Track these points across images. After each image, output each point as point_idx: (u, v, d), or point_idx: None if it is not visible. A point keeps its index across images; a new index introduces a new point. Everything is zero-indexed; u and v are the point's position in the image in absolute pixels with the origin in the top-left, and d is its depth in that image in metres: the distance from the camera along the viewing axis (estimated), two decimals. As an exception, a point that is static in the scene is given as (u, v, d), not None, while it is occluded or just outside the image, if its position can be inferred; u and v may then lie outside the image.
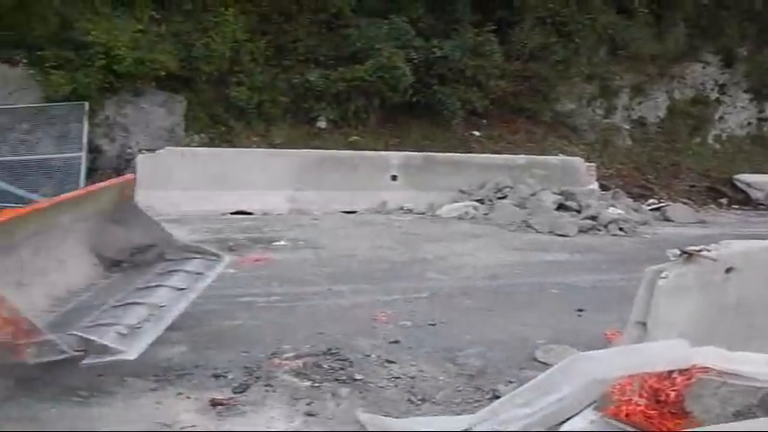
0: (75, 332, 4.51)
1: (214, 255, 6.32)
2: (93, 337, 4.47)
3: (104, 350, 4.41)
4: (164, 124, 14.31)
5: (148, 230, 6.36)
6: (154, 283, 5.57)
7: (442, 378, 5.15)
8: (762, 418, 3.91)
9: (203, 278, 5.85)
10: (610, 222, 12.27)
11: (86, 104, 13.30)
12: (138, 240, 6.30)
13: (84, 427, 4.25)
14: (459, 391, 5.03)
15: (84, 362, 4.37)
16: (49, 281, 4.87)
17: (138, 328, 4.77)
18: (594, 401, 4.42)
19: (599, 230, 12.13)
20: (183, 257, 6.23)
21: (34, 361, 4.32)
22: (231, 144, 14.36)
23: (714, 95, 21.35)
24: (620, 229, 12.24)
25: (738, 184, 17.91)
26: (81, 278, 5.81)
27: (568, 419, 4.34)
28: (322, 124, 15.67)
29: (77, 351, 4.38)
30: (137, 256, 6.27)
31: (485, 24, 16.96)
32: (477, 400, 4.83)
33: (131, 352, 4.47)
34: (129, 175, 6.42)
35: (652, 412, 4.25)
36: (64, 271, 5.60)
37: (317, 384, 5.00)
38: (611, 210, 12.81)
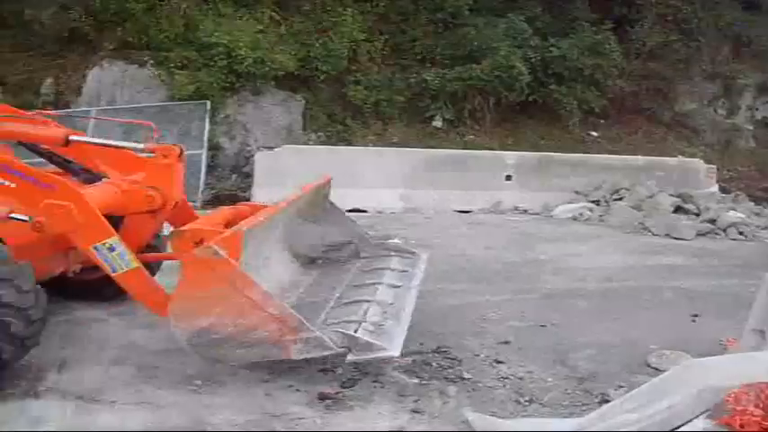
0: (338, 329, 4.65)
1: (410, 252, 6.44)
2: (358, 335, 4.63)
3: (368, 347, 4.57)
4: (282, 123, 14.69)
5: (344, 228, 6.54)
6: (369, 281, 5.66)
7: (550, 380, 5.11)
8: None
9: (413, 275, 5.94)
10: (729, 226, 11.92)
11: (208, 103, 13.75)
12: (334, 237, 6.46)
13: (195, 413, 4.49)
14: (568, 393, 4.97)
15: (348, 358, 4.54)
16: (261, 279, 5.06)
17: (381, 326, 4.92)
18: (707, 410, 4.36)
19: (717, 234, 11.79)
20: (380, 255, 6.37)
21: (299, 357, 4.52)
22: (348, 143, 14.61)
23: None
24: (740, 233, 11.87)
25: None
26: (285, 276, 5.98)
27: (679, 427, 4.30)
28: (438, 123, 15.77)
29: (342, 347, 4.54)
30: (330, 252, 6.42)
31: (603, 22, 16.82)
32: (586, 404, 4.79)
33: (393, 348, 4.64)
34: (326, 175, 6.60)
35: (768, 423, 4.17)
36: (269, 268, 5.74)
37: (424, 382, 5.03)
38: (731, 213, 12.42)
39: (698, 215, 12.32)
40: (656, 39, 17.40)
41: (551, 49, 16.16)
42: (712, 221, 12.02)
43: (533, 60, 15.96)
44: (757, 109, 19.61)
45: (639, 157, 14.87)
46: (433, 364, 5.33)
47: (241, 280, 4.40)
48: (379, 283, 5.60)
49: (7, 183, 4.82)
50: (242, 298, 4.38)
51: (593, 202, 12.93)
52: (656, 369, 5.13)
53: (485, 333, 5.98)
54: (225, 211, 5.88)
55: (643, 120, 17.76)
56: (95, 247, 4.78)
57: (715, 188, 14.35)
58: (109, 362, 5.08)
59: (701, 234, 11.61)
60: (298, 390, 4.80)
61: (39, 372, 4.96)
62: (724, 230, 11.85)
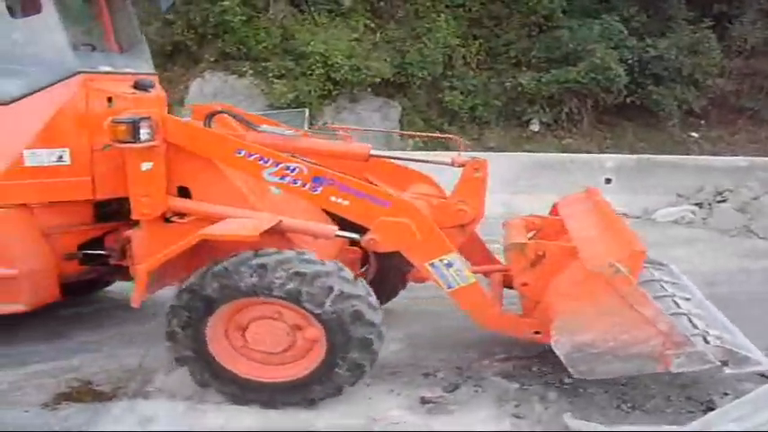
0: (719, 344, 4.74)
1: (660, 264, 6.34)
2: (739, 350, 4.74)
3: (746, 361, 4.69)
4: (381, 127, 14.81)
5: None
6: (658, 294, 5.49)
7: (654, 387, 4.98)
8: None
9: (687, 286, 5.92)
10: None
11: (306, 111, 13.98)
12: None
13: (300, 416, 4.61)
14: (671, 400, 4.87)
15: (726, 371, 4.63)
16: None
17: (721, 338, 4.90)
18: (813, 417, 4.29)
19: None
20: None
21: (677, 370, 4.58)
22: (445, 148, 14.61)
23: None
24: None
25: None
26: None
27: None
28: (535, 127, 15.68)
29: (722, 362, 4.63)
30: None
31: (701, 20, 16.38)
32: (690, 411, 4.67)
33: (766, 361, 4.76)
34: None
35: None
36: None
37: (525, 387, 5.01)
38: None
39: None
40: (758, 35, 16.83)
41: (648, 49, 15.82)
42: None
43: (630, 61, 15.65)
44: None
45: (742, 157, 14.48)
46: (534, 368, 5.33)
47: (637, 297, 4.48)
48: (671, 296, 5.52)
49: (340, 200, 4.89)
50: (635, 314, 4.46)
51: (695, 204, 12.64)
52: (764, 376, 5.03)
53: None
54: (518, 222, 5.99)
55: (745, 119, 17.22)
56: (432, 264, 4.86)
57: (826, 189, 13.85)
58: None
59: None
60: (399, 394, 4.92)
61: (147, 373, 5.20)
62: None
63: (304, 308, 4.44)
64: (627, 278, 4.43)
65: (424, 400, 4.75)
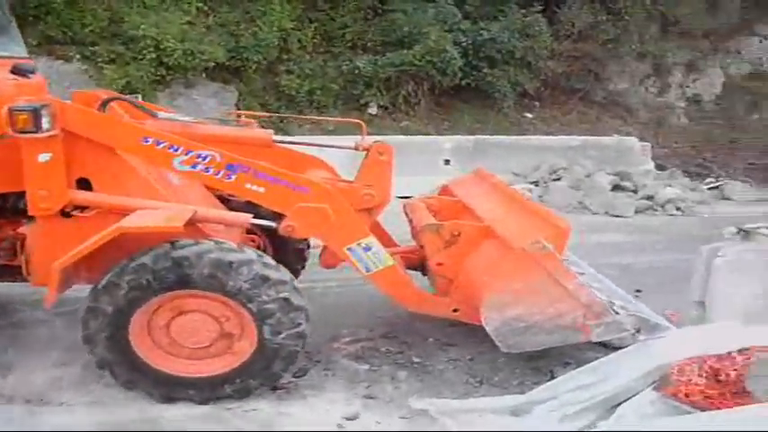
0: (634, 313, 4.96)
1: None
2: (651, 318, 5.00)
3: (656, 328, 4.91)
4: (216, 115, 14.42)
5: None
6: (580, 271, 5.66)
7: (500, 360, 5.16)
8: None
9: (575, 262, 5.97)
10: (666, 202, 12.12)
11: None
12: None
13: (148, 410, 4.42)
14: (516, 372, 5.09)
15: (640, 338, 4.82)
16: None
17: (626, 308, 5.08)
18: (654, 382, 4.42)
19: (656, 211, 12.00)
20: None
21: (597, 339, 4.86)
22: (284, 132, 14.38)
23: (772, 69, 20.93)
24: (678, 208, 12.08)
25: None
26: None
27: (627, 400, 4.34)
28: (373, 110, 15.68)
29: (635, 329, 4.85)
30: None
31: (532, 5, 16.89)
32: (536, 382, 4.85)
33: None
34: None
35: (711, 392, 4.26)
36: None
37: (375, 368, 5.08)
38: (667, 189, 12.61)
39: (635, 192, 12.48)
40: (585, 20, 17.53)
41: (482, 32, 16.13)
42: (650, 198, 12.21)
43: (464, 44, 15.93)
44: (688, 86, 19.96)
45: (575, 137, 14.99)
46: (383, 349, 5.38)
47: (562, 272, 4.71)
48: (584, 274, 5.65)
49: (255, 188, 4.72)
50: (559, 288, 4.67)
51: (532, 183, 12.99)
52: (602, 344, 5.16)
53: (433, 316, 5.95)
54: (419, 204, 6.08)
55: (576, 100, 17.93)
56: (350, 248, 4.83)
57: (650, 165, 14.51)
58: (56, 363, 5.01)
59: (639, 211, 11.82)
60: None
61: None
62: (662, 206, 12.06)
63: (230, 298, 4.34)
64: (552, 254, 4.67)
65: (275, 387, 4.63)
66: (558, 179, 12.92)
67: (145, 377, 4.47)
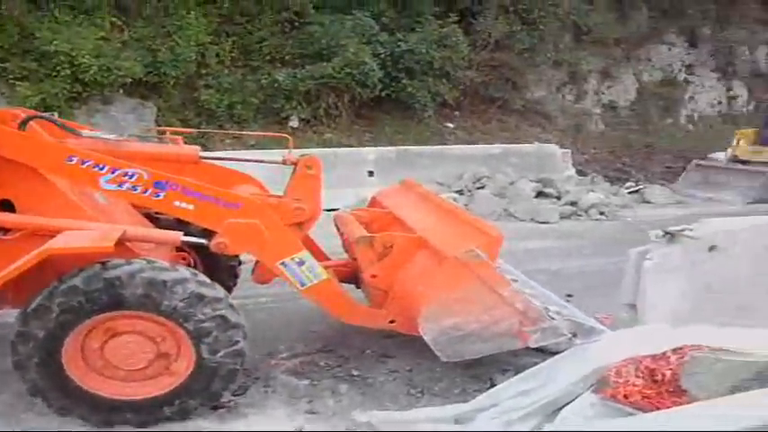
0: (569, 317, 5.09)
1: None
2: (586, 322, 5.13)
3: (592, 331, 5.04)
4: (135, 131, 14.16)
5: None
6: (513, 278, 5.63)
7: (439, 369, 5.15)
8: (757, 390, 3.95)
9: (507, 269, 5.91)
10: (590, 207, 12.34)
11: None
12: None
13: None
14: (457, 381, 5.08)
15: (577, 342, 4.89)
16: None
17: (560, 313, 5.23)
18: (592, 385, 4.46)
19: (580, 216, 12.21)
20: None
21: (535, 345, 4.92)
22: (205, 148, 14.19)
23: (682, 76, 21.68)
24: (601, 213, 12.31)
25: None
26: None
27: (568, 404, 4.37)
28: (294, 123, 15.62)
29: (572, 334, 4.94)
30: None
31: (448, 15, 17.10)
32: (476, 390, 4.86)
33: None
34: None
35: (649, 392, 4.30)
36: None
37: (315, 382, 5.02)
38: (590, 195, 12.86)
39: (559, 198, 12.67)
40: (501, 30, 17.81)
41: (400, 43, 16.26)
42: (573, 204, 12.41)
43: (383, 56, 16.04)
44: (603, 93, 20.47)
45: (497, 145, 15.17)
46: (321, 363, 5.33)
47: (496, 279, 4.76)
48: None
49: (185, 205, 4.59)
50: (494, 295, 4.72)
51: (456, 191, 13.07)
52: (538, 349, 5.20)
53: (367, 329, 5.92)
54: (349, 217, 6.07)
55: (496, 109, 18.19)
56: (284, 263, 4.76)
57: (572, 171, 14.81)
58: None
59: (564, 217, 12.01)
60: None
61: None
62: (585, 212, 12.28)
63: (165, 317, 4.23)
64: (486, 263, 4.72)
65: (215, 406, 4.54)
66: (482, 187, 13.03)
67: (80, 403, 4.31)
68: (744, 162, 15.96)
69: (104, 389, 4.34)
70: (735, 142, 16.40)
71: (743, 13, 22.87)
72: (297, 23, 16.54)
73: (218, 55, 15.57)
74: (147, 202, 4.67)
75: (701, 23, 22.14)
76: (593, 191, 13.29)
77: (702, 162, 16.30)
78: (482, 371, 5.15)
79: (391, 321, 5.13)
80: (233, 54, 15.95)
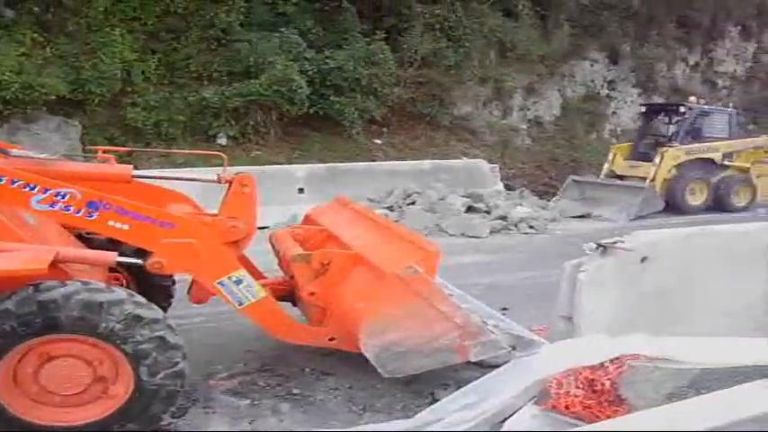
0: (504, 332, 5.15)
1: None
2: (524, 335, 5.24)
3: (531, 344, 5.13)
4: (60, 150, 13.84)
5: None
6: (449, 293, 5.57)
7: (380, 386, 5.13)
8: (694, 398, 4.02)
9: (443, 284, 5.84)
10: (520, 221, 12.49)
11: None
12: None
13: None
14: (399, 397, 5.06)
15: (516, 354, 4.97)
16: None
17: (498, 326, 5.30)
18: (534, 397, 4.49)
19: (510, 230, 12.34)
20: None
21: (476, 359, 4.98)
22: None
23: (605, 92, 22.13)
24: (531, 227, 12.47)
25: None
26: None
27: (510, 417, 4.39)
28: (222, 141, 15.49)
29: (511, 347, 5.03)
30: None
31: (375, 33, 17.21)
32: (418, 406, 4.84)
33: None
34: None
35: (590, 402, 4.36)
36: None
37: (256, 402, 4.96)
38: (519, 209, 13.02)
39: (489, 213, 12.77)
40: (427, 47, 17.97)
41: (327, 61, 16.31)
42: (503, 218, 12.52)
43: (311, 73, 16.04)
44: (529, 109, 20.77)
45: (426, 161, 15.27)
46: (261, 383, 5.26)
47: (435, 294, 4.79)
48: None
49: (119, 225, 4.48)
50: (434, 310, 4.75)
51: (387, 208, 13.08)
52: (477, 364, 5.21)
53: (306, 347, 5.88)
54: (286, 233, 6.09)
55: (424, 125, 18.32)
56: (221, 282, 4.69)
57: (500, 186, 14.96)
58: None
59: (495, 231, 12.09)
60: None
61: None
62: (516, 226, 12.40)
63: (102, 340, 4.11)
64: (425, 278, 4.76)
65: (155, 430, 4.44)
66: (413, 203, 13.08)
67: (14, 430, 4.19)
68: (621, 177, 16.26)
69: (39, 415, 4.20)
70: (611, 157, 16.65)
71: (660, 32, 23.56)
72: (224, 41, 16.42)
73: (143, 72, 15.35)
74: (80, 223, 4.57)
75: (622, 41, 22.71)
76: (521, 205, 13.47)
77: (579, 178, 16.47)
78: (423, 386, 5.14)
79: (331, 339, 5.13)
80: (159, 71, 15.75)
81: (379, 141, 17.37)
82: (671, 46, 24.02)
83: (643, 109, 18.30)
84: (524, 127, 20.54)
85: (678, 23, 24.00)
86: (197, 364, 5.40)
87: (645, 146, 16.87)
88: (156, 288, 5.81)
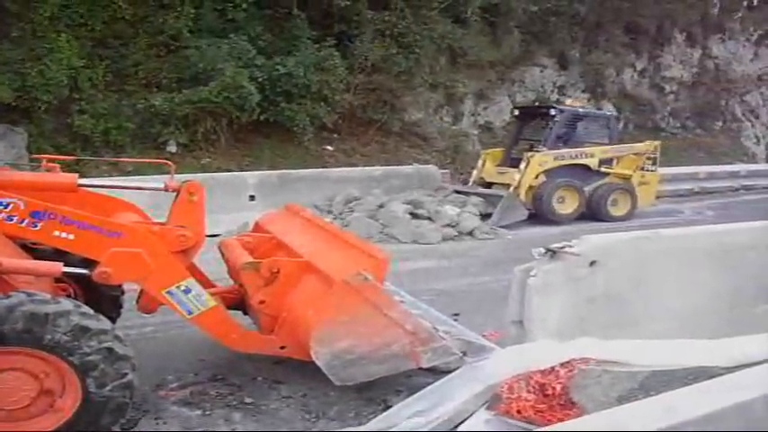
0: (455, 338, 5.12)
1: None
2: (475, 340, 5.24)
3: (482, 349, 5.13)
4: (5, 158, 13.61)
5: None
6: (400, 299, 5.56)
7: (332, 393, 5.11)
8: (644, 400, 4.07)
9: (394, 291, 5.87)
10: (471, 227, 12.43)
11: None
12: None
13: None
14: (352, 404, 5.05)
15: (467, 360, 4.98)
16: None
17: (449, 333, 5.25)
18: (486, 402, 4.52)
19: (461, 236, 12.29)
20: None
21: (428, 365, 5.00)
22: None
23: (554, 97, 22.26)
24: (482, 232, 12.42)
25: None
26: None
27: (463, 422, 4.41)
28: (172, 148, 15.35)
29: (462, 353, 5.01)
30: None
31: (325, 39, 17.16)
32: (371, 413, 4.85)
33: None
34: None
35: (541, 406, 4.39)
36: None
37: (208, 412, 4.92)
38: (469, 214, 12.97)
39: (431, 219, 12.51)
40: (378, 53, 17.98)
41: (277, 67, 16.20)
42: (454, 225, 12.44)
43: (261, 80, 15.93)
44: (479, 114, 20.88)
45: (377, 167, 15.27)
46: (212, 392, 5.22)
47: (385, 301, 4.82)
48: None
49: (64, 235, 4.43)
50: (384, 318, 4.77)
51: (328, 212, 12.98)
52: (429, 369, 5.22)
53: (257, 355, 5.85)
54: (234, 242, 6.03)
55: (375, 131, 18.33)
56: (169, 291, 4.67)
57: (451, 191, 14.80)
58: None
59: (446, 238, 12.02)
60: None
61: None
62: (470, 233, 12.30)
63: (48, 352, 4.04)
64: (374, 285, 4.79)
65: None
66: (352, 211, 12.95)
67: None
68: (489, 185, 15.36)
69: None
70: (480, 164, 15.73)
71: (608, 38, 23.86)
72: (172, 47, 16.29)
73: (91, 79, 15.16)
74: (24, 233, 4.52)
75: (570, 47, 22.96)
76: (464, 210, 13.35)
77: (445, 185, 15.51)
78: (376, 393, 5.14)
79: (282, 347, 5.13)
80: (107, 78, 15.58)
81: (330, 148, 17.35)
82: (619, 52, 24.33)
83: (516, 113, 17.34)
84: (475, 132, 20.63)
85: (626, 30, 24.32)
86: (147, 374, 5.34)
87: (519, 152, 15.69)
88: (104, 298, 5.74)
